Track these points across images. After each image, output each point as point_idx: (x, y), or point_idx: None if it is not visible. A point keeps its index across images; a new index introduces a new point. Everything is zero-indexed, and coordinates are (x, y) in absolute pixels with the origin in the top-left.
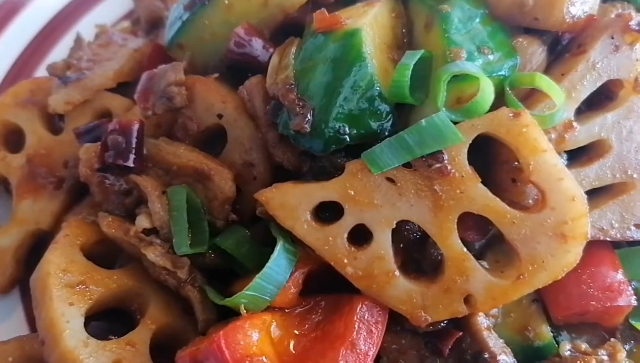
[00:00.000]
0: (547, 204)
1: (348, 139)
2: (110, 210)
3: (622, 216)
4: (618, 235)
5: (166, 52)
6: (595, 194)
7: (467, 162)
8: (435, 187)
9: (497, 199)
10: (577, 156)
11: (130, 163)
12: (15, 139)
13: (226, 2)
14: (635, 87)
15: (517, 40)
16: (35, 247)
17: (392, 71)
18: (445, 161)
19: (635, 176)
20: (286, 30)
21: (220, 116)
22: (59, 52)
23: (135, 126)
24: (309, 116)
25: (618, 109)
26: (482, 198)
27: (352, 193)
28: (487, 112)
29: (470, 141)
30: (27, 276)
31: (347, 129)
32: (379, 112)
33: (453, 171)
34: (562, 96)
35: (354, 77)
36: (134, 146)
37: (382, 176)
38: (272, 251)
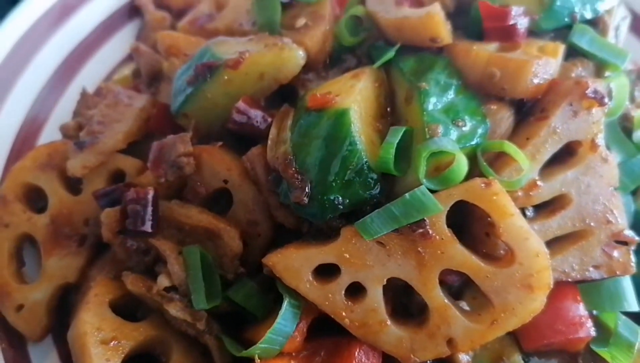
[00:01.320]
0: (515, 260)
1: (342, 208)
2: (132, 267)
3: (582, 259)
4: (578, 276)
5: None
6: (558, 241)
7: (445, 227)
8: (419, 249)
9: (473, 257)
10: (542, 208)
11: (149, 229)
12: (35, 197)
13: (225, 77)
14: (592, 147)
15: (488, 106)
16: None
17: (378, 142)
18: (427, 227)
19: (592, 224)
20: (281, 91)
21: (226, 182)
22: (67, 103)
23: (151, 195)
24: (307, 189)
25: (577, 167)
26: (459, 257)
27: (347, 255)
28: (462, 180)
29: (449, 208)
30: (58, 323)
31: (341, 199)
32: (368, 182)
33: (434, 235)
34: (526, 162)
35: (345, 154)
36: (150, 213)
37: (373, 240)
38: (276, 299)
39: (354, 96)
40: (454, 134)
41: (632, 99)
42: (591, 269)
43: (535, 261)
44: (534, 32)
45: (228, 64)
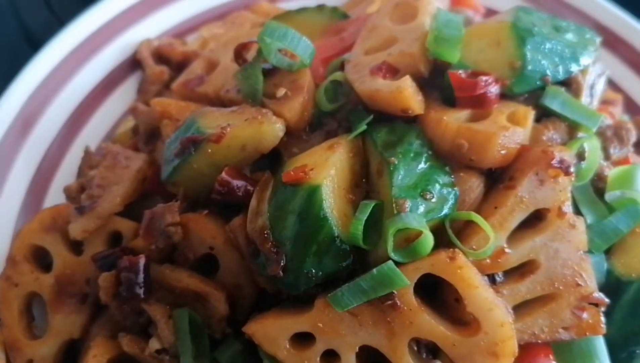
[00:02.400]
0: (481, 329)
1: (315, 280)
2: (128, 326)
3: (552, 321)
4: (548, 338)
5: None
6: (528, 304)
7: (413, 298)
8: (388, 319)
9: (440, 326)
10: (512, 272)
11: (140, 295)
12: (42, 256)
13: (209, 150)
14: (559, 215)
15: (458, 175)
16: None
17: (351, 214)
18: (396, 299)
19: (561, 287)
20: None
21: (211, 248)
22: (73, 160)
23: (142, 263)
24: (282, 262)
25: (545, 234)
26: (427, 326)
27: (321, 325)
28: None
29: (416, 281)
30: None
31: (314, 271)
32: (341, 254)
33: (402, 306)
34: (492, 233)
35: (318, 229)
36: (142, 280)
37: (346, 311)
38: (260, 360)
39: (327, 170)
40: (421, 208)
41: (608, 156)
42: (561, 330)
43: (500, 331)
44: (506, 95)
45: (210, 138)
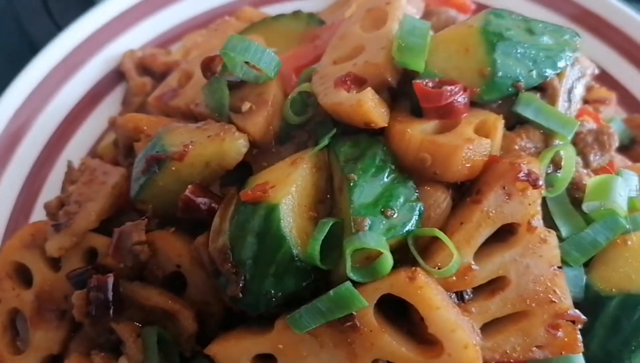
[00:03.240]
0: (444, 351)
1: (275, 301)
2: (101, 344)
3: (525, 340)
4: (522, 357)
5: None
6: (500, 321)
7: (374, 319)
8: (349, 340)
9: (402, 348)
10: (482, 289)
11: (109, 315)
12: (25, 272)
13: (173, 168)
14: (529, 229)
15: (423, 188)
16: None
17: (312, 233)
18: (355, 320)
19: (534, 304)
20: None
21: (178, 266)
22: (59, 174)
23: (110, 282)
24: (241, 283)
25: (515, 249)
26: (388, 348)
27: (281, 346)
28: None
29: (375, 301)
30: None
31: (273, 292)
32: (301, 274)
33: (362, 327)
34: (456, 251)
35: (276, 250)
36: (110, 300)
37: (306, 332)
38: None
39: (287, 188)
40: (381, 226)
41: (588, 163)
42: (535, 349)
43: (464, 353)
44: (478, 103)
45: (173, 156)
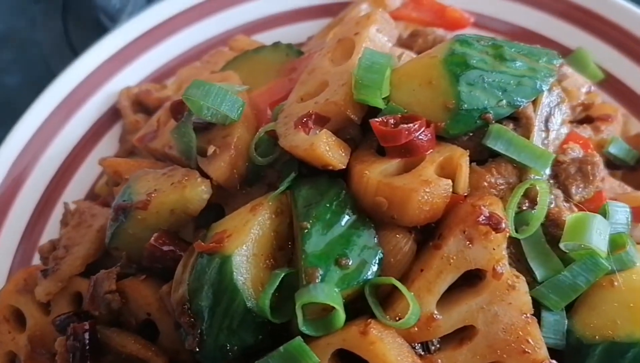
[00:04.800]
0: None
1: (232, 355)
2: None
3: None
4: None
5: None
6: None
7: None
8: None
9: None
10: (451, 338)
11: (87, 362)
12: (20, 316)
13: (139, 217)
14: (495, 275)
15: (383, 233)
16: None
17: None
18: None
19: (505, 355)
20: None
21: (148, 314)
22: (59, 215)
23: (86, 331)
24: (197, 336)
25: (481, 297)
26: None
27: None
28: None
29: (329, 356)
30: None
31: (228, 346)
32: (255, 327)
33: None
34: (413, 301)
35: (231, 302)
36: (87, 347)
37: None
38: None
39: (242, 237)
40: (335, 276)
41: (570, 196)
42: None
43: None
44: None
45: (137, 205)
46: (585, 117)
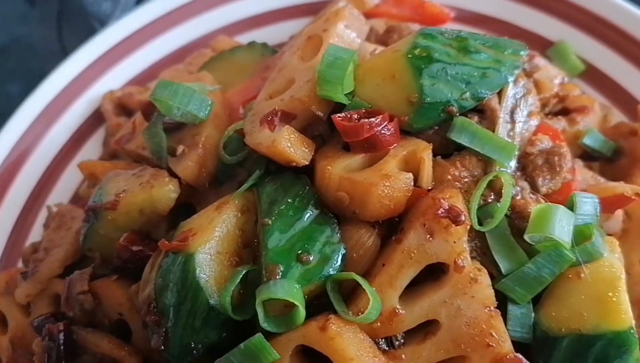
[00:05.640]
0: None
1: (197, 353)
2: None
3: None
4: None
5: None
6: None
7: None
8: None
9: None
10: (415, 333)
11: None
12: (3, 318)
13: (109, 217)
14: (456, 268)
15: (345, 228)
16: None
17: None
18: None
19: (469, 349)
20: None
21: (120, 314)
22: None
23: (61, 332)
24: (162, 334)
25: (443, 291)
26: None
27: None
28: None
29: (291, 352)
30: None
31: (193, 344)
32: (219, 325)
33: None
34: (374, 295)
35: (194, 300)
36: (62, 348)
37: None
38: None
39: (207, 235)
40: (296, 272)
41: (537, 188)
42: None
43: None
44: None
45: (106, 206)
46: (562, 108)
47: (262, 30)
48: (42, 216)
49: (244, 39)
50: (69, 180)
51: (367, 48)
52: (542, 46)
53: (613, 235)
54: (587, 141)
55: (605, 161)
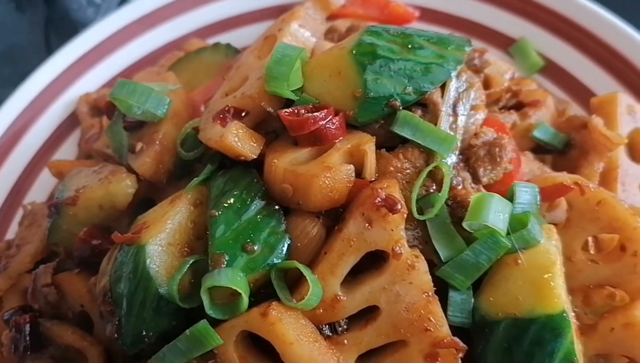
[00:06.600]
0: None
1: (149, 340)
2: None
3: None
4: None
5: None
6: (377, 353)
7: (234, 356)
8: None
9: None
10: (357, 320)
11: (24, 352)
12: None
13: (70, 212)
14: (394, 256)
15: (290, 219)
16: None
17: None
18: (217, 358)
19: (408, 334)
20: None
21: (82, 306)
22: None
23: (27, 323)
24: (116, 323)
25: (383, 277)
26: None
27: None
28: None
29: (235, 337)
30: None
31: (144, 332)
32: (169, 313)
33: None
34: (314, 282)
35: (145, 289)
36: (28, 339)
37: None
38: None
39: (158, 227)
40: (241, 261)
41: (478, 179)
42: None
43: None
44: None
45: (67, 201)
46: (517, 103)
47: (234, 32)
48: (19, 215)
49: (217, 41)
50: (46, 181)
51: (324, 47)
52: (505, 43)
53: (558, 224)
54: (537, 133)
55: (558, 153)
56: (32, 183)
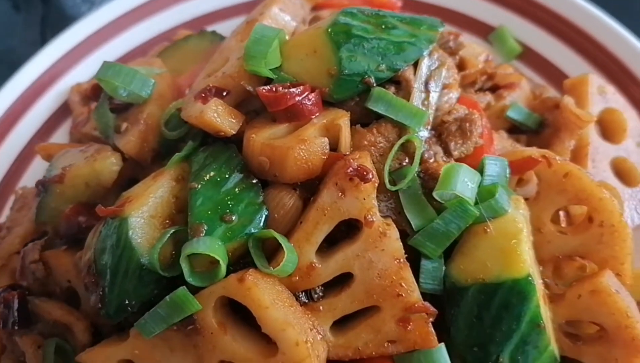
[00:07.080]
0: (278, 349)
1: (132, 309)
2: (18, 356)
3: (376, 335)
4: (374, 353)
5: None
6: (352, 318)
7: (213, 321)
8: (194, 343)
9: (242, 348)
10: (333, 287)
11: (12, 328)
12: None
13: (57, 190)
14: (367, 224)
15: (267, 191)
16: None
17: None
18: (196, 324)
19: (381, 299)
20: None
21: (69, 282)
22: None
23: (15, 299)
24: (100, 293)
25: (356, 244)
26: (229, 348)
27: (137, 352)
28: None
29: (214, 303)
30: None
31: (127, 301)
32: (151, 282)
33: (203, 330)
34: (289, 249)
35: (128, 260)
36: (16, 315)
37: (157, 337)
38: None
39: (140, 201)
40: (219, 230)
41: (449, 152)
42: (387, 344)
43: (296, 351)
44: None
45: (54, 179)
46: (492, 86)
47: (223, 23)
48: (12, 201)
49: None
50: (38, 168)
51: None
52: (485, 31)
53: (529, 199)
54: (511, 113)
55: (532, 133)
56: (24, 170)
